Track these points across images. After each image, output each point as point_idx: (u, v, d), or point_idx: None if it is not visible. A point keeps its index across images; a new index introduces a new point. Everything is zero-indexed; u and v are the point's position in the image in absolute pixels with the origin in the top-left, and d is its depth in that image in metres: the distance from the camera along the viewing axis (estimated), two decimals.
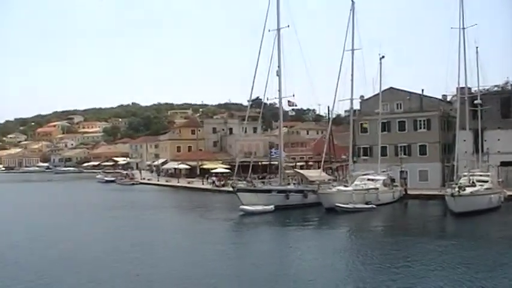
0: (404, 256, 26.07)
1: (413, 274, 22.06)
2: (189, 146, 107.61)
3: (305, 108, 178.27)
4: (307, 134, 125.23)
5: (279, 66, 51.14)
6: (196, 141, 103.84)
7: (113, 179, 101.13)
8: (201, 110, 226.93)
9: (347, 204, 44.76)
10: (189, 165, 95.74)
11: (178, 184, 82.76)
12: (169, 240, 33.24)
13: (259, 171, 72.86)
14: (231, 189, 49.11)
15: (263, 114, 57.76)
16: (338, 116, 74.69)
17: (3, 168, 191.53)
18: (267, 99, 51.56)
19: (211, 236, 34.32)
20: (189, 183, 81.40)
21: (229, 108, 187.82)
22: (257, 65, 49.55)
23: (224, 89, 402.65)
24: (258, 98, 79.37)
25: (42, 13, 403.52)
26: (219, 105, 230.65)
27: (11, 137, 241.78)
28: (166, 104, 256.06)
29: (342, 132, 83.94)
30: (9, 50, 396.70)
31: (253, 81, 49.56)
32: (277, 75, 51.14)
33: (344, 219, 41.87)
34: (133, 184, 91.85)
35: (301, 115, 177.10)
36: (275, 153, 59.83)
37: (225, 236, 35.40)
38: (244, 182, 49.40)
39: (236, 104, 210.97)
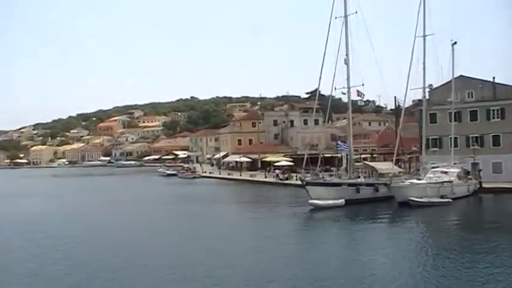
0: (488, 257, 23.84)
1: (498, 279, 20.04)
2: (249, 139, 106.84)
3: (364, 99, 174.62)
4: (369, 125, 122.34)
5: (347, 55, 49.48)
6: (257, 133, 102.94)
7: (174, 172, 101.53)
8: (259, 102, 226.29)
9: (421, 198, 42.75)
10: (250, 158, 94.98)
11: (240, 177, 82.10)
12: (241, 237, 32.32)
13: (322, 164, 71.42)
14: (295, 182, 47.79)
15: (323, 106, 56.06)
16: (398, 106, 71.95)
17: (67, 162, 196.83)
18: (335, 89, 49.83)
19: (282, 232, 32.95)
20: (251, 176, 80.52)
21: (288, 101, 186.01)
22: (325, 54, 48.00)
23: (282, 82, 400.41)
24: (316, 89, 77.81)
25: (96, 10, 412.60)
26: (277, 98, 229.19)
27: (73, 132, 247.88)
28: (225, 97, 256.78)
29: (406, 123, 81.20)
30: (71, 48, 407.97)
31: (321, 70, 48.05)
32: (345, 63, 49.45)
33: (418, 214, 39.86)
34: (194, 177, 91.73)
35: (361, 106, 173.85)
36: (341, 145, 57.84)
37: (296, 233, 34.12)
38: (311, 175, 48.01)
39: (294, 96, 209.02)
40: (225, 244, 29.00)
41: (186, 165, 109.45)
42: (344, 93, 50.68)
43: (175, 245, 28.99)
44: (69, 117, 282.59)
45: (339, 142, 63.86)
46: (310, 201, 43.56)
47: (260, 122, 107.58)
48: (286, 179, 69.44)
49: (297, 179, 64.11)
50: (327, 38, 48.16)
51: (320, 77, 48.58)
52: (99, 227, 36.90)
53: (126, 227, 37.13)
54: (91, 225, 37.67)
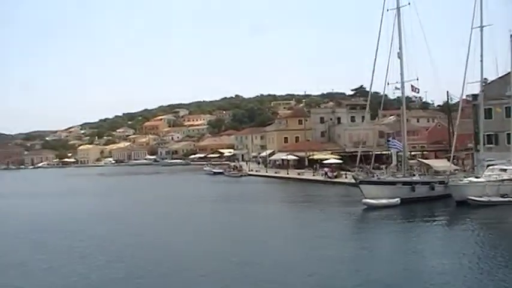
0: None
1: None
2: (296, 137, 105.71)
3: (410, 95, 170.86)
4: (418, 122, 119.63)
5: (400, 48, 47.94)
6: (304, 131, 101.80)
7: (221, 170, 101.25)
8: (304, 100, 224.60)
9: (481, 197, 40.93)
10: (297, 156, 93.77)
11: (287, 176, 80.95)
12: (295, 238, 31.22)
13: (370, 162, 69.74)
14: (344, 180, 46.42)
15: (370, 102, 54.43)
16: (450, 101, 69.75)
17: (113, 161, 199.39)
18: (388, 84, 48.25)
19: (337, 233, 31.89)
20: (299, 174, 79.31)
21: (333, 98, 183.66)
22: (377, 48, 46.52)
23: (326, 79, 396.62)
24: (361, 86, 76.05)
25: (142, 10, 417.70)
26: (323, 95, 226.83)
27: (119, 131, 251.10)
28: (269, 95, 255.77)
29: (454, 119, 78.65)
30: (120, 49, 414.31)
31: (374, 64, 46.60)
32: (399, 57, 47.89)
33: (478, 214, 37.77)
34: (241, 176, 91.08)
35: (407, 103, 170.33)
36: (393, 142, 56.09)
37: (352, 234, 33.05)
38: (364, 173, 46.62)
39: (339, 93, 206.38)
40: (280, 246, 28.21)
41: (232, 164, 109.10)
42: (398, 88, 49.03)
43: (228, 248, 28.11)
44: (116, 116, 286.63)
45: (390, 139, 62.12)
46: (364, 200, 42.25)
47: (306, 120, 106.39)
48: (335, 177, 67.97)
49: (346, 177, 62.91)
50: (380, 31, 46.62)
51: (373, 72, 47.10)
52: (149, 228, 36.26)
53: (178, 228, 36.53)
54: (140, 226, 37.16)
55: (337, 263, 23.34)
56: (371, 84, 50.88)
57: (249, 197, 56.69)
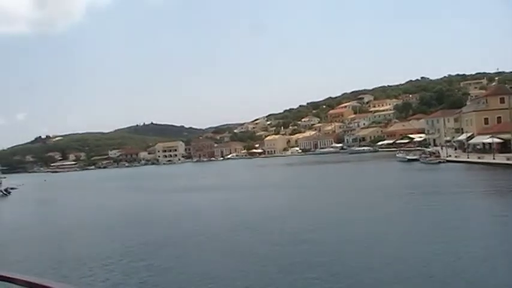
0: None
1: None
2: (498, 117, 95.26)
3: None
4: None
5: None
6: (509, 110, 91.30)
7: (415, 157, 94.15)
8: (496, 78, 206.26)
9: None
10: (502, 139, 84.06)
11: (494, 161, 72.23)
12: None
13: None
14: None
15: None
16: None
17: (300, 151, 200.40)
18: None
19: None
20: (508, 159, 70.31)
21: None
22: None
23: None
24: None
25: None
26: None
27: (305, 121, 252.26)
28: (458, 75, 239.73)
29: None
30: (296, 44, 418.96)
31: None
32: None
33: None
34: (439, 162, 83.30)
35: None
36: None
37: None
38: None
39: None
40: None
41: (428, 149, 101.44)
42: None
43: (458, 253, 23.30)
44: (300, 106, 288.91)
45: None
46: None
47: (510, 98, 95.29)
48: None
49: None
50: None
51: None
52: (353, 225, 31.98)
53: (401, 227, 31.02)
54: (343, 220, 33.62)
55: None
56: None
57: (460, 186, 49.35)
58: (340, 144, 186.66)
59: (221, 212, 42.49)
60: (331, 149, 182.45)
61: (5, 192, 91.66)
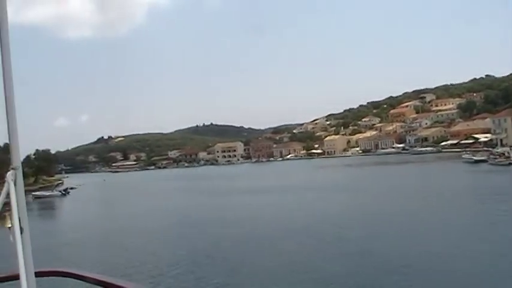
0: None
1: None
2: None
3: None
4: None
5: None
6: None
7: (483, 158, 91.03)
8: None
9: None
10: None
11: None
12: None
13: None
14: None
15: None
16: None
17: (360, 151, 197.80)
18: None
19: None
20: None
21: None
22: None
23: None
24: None
25: None
26: None
27: (365, 121, 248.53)
28: None
29: None
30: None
31: None
32: None
33: None
34: (510, 164, 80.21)
35: None
36: None
37: None
38: None
39: None
40: None
41: (497, 150, 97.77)
42: None
43: None
44: (360, 106, 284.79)
45: None
46: None
47: None
48: None
49: None
50: None
51: None
52: (428, 236, 30.11)
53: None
54: (414, 230, 32.03)
55: None
56: None
57: None
58: (401, 145, 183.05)
59: (282, 217, 41.35)
60: (393, 150, 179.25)
61: (63, 192, 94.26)
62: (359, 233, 30.86)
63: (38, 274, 2.89)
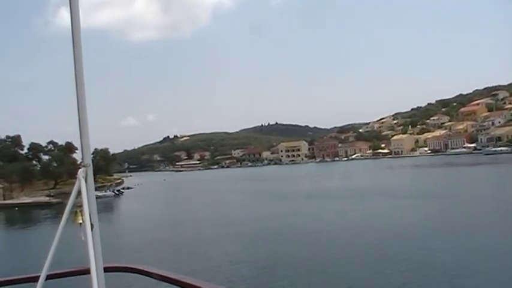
0: None
1: None
2: None
3: None
4: None
5: None
6: None
7: None
8: None
9: None
10: None
11: None
12: None
13: None
14: None
15: None
16: None
17: (429, 151, 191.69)
18: None
19: None
20: None
21: None
22: None
23: None
24: None
25: None
26: None
27: (433, 119, 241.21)
28: None
29: None
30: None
31: None
32: None
33: None
34: None
35: None
36: None
37: None
38: None
39: None
40: None
41: None
42: None
43: None
44: (428, 104, 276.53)
45: None
46: None
47: None
48: None
49: None
50: None
51: None
52: None
53: None
54: None
55: None
56: None
57: None
58: (473, 145, 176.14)
59: (353, 229, 36.48)
60: (464, 150, 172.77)
61: (117, 193, 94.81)
62: (450, 258, 25.54)
63: (106, 269, 3.02)
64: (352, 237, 32.91)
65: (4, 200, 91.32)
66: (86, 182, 2.83)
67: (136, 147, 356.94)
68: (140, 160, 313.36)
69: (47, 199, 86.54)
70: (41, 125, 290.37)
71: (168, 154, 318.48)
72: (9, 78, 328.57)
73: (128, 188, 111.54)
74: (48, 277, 3.06)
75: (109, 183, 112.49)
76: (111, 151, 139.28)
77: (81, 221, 2.77)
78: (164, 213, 61.61)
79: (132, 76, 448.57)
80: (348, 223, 39.56)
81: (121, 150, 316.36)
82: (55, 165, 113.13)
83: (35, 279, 3.13)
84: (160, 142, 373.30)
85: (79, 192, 2.81)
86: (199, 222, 46.45)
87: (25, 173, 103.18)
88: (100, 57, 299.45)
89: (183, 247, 34.20)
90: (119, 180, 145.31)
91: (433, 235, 31.89)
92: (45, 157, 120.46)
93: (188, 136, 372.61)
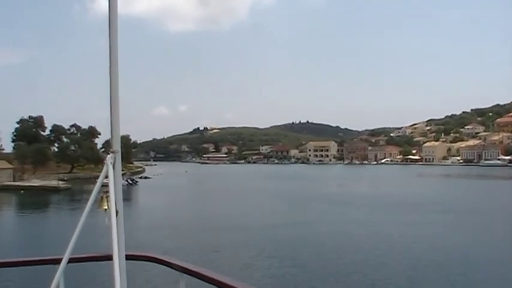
0: None
1: None
2: None
3: None
4: None
5: None
6: None
7: None
8: None
9: None
10: None
11: None
12: None
13: None
14: None
15: None
16: None
17: (461, 161, 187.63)
18: None
19: None
20: None
21: None
22: None
23: None
24: None
25: None
26: None
27: (468, 128, 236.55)
28: None
29: None
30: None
31: None
32: None
33: None
34: None
35: None
36: None
37: None
38: None
39: None
40: None
41: None
42: None
43: None
44: (463, 112, 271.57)
45: None
46: None
47: None
48: None
49: None
50: None
51: None
52: None
53: None
54: None
55: None
56: None
57: None
58: (508, 157, 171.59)
59: (381, 248, 32.53)
60: (498, 162, 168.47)
61: (130, 182, 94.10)
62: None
63: (128, 257, 3.10)
64: (381, 259, 29.41)
65: (14, 181, 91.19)
66: (113, 168, 2.85)
67: (165, 137, 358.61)
68: (168, 150, 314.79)
69: (55, 184, 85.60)
70: (72, 108, 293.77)
71: (196, 145, 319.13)
72: (46, 61, 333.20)
73: (146, 178, 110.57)
74: (71, 260, 3.10)
75: (127, 171, 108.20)
76: (140, 139, 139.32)
77: (106, 207, 2.79)
78: (172, 211, 56.52)
79: (167, 66, 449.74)
80: (376, 240, 35.55)
81: (150, 139, 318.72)
82: (73, 149, 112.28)
83: (57, 261, 3.17)
84: (190, 133, 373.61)
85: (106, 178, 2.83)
86: (206, 228, 42.18)
87: (38, 155, 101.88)
88: (136, 45, 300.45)
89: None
90: (140, 169, 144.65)
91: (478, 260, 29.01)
92: (67, 140, 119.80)
93: (218, 129, 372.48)
